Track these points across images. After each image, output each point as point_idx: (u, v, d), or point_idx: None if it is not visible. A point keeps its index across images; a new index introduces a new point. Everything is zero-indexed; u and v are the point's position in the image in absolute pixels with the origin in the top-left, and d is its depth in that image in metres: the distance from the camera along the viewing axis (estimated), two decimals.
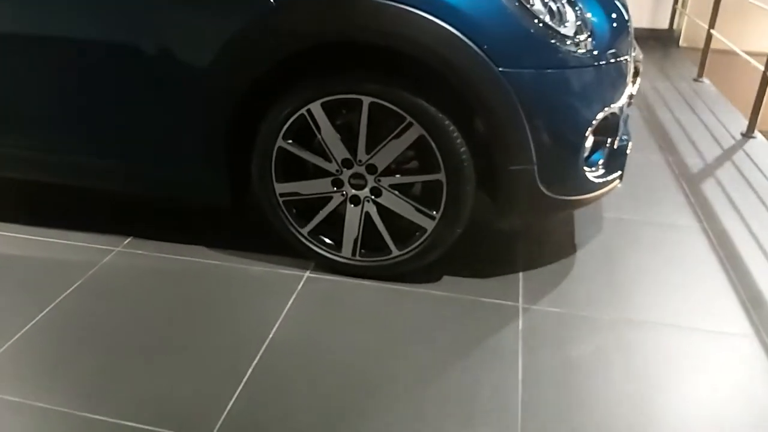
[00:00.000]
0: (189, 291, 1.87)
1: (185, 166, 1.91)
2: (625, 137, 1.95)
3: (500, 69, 1.56)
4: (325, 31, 1.61)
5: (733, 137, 3.16)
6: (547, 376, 1.55)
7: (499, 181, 1.72)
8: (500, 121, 1.62)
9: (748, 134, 3.17)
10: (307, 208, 1.91)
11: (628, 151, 1.94)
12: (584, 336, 1.69)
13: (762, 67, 3.06)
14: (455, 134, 1.66)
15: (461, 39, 1.53)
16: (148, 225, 2.21)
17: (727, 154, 2.94)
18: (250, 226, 2.22)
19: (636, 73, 2.04)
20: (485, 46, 1.54)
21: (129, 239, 2.13)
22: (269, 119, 1.78)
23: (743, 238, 2.21)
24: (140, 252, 2.06)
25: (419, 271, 1.88)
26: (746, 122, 3.24)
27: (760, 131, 3.18)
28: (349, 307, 1.81)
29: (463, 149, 1.68)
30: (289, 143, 1.80)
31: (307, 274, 1.95)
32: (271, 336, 1.68)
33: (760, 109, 3.11)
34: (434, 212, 1.77)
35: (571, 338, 1.68)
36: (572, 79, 1.65)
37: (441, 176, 1.72)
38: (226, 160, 1.84)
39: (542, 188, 1.73)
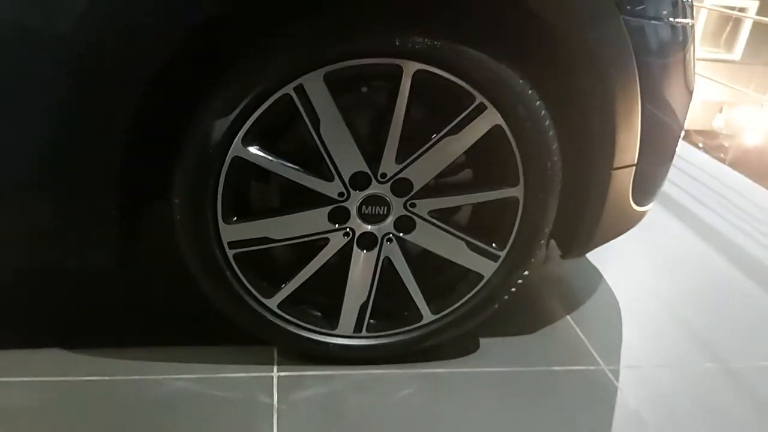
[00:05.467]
0: None
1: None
2: None
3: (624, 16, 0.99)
4: None
5: None
6: None
7: (587, 191, 1.14)
8: (614, 96, 1.04)
9: None
10: (275, 265, 1.11)
11: None
12: None
13: None
14: (547, 123, 1.03)
15: None
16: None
17: None
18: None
19: None
20: None
21: None
22: (213, 110, 0.94)
23: None
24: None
25: (442, 344, 1.20)
26: None
27: None
28: (378, 425, 1.06)
29: (555, 146, 1.05)
30: (254, 151, 0.98)
31: (275, 374, 1.14)
32: None
33: None
34: (497, 249, 1.12)
35: None
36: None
37: (518, 191, 1.07)
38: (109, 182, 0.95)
39: (631, 198, 1.21)
